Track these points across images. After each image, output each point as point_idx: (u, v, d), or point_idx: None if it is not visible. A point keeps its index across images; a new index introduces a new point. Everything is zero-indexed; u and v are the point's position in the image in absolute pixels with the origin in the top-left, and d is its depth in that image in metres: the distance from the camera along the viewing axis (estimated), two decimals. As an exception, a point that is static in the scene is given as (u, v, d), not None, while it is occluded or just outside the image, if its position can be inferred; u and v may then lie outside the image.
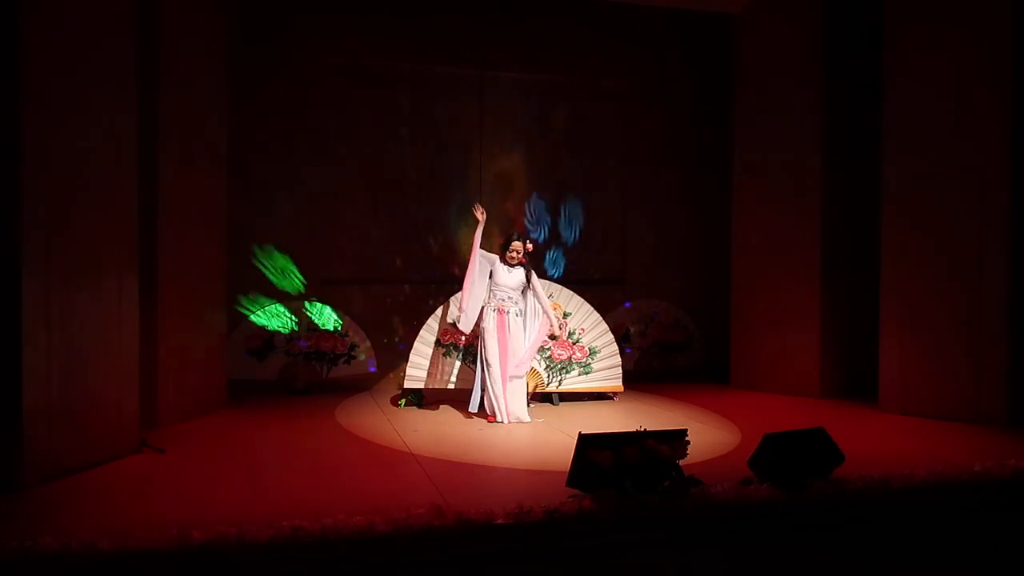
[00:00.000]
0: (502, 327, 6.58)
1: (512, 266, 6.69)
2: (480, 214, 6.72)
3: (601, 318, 7.73)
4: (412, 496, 4.29)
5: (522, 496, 4.04)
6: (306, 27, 8.25)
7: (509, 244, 6.70)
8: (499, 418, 6.44)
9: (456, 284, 7.87)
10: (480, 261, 6.70)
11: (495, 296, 6.64)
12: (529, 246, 6.74)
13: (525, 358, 6.65)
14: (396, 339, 8.55)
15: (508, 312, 6.62)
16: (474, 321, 6.67)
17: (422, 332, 7.36)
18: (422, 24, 8.53)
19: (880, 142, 7.15)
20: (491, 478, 4.94)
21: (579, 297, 7.67)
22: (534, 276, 6.79)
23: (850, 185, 7.89)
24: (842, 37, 7.86)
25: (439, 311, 7.43)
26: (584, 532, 3.86)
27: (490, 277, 6.70)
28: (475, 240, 6.70)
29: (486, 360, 6.53)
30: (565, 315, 7.51)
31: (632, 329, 9.20)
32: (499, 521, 3.78)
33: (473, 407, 6.70)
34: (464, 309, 6.64)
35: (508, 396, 6.48)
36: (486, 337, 6.56)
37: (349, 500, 4.27)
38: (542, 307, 6.72)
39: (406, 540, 3.63)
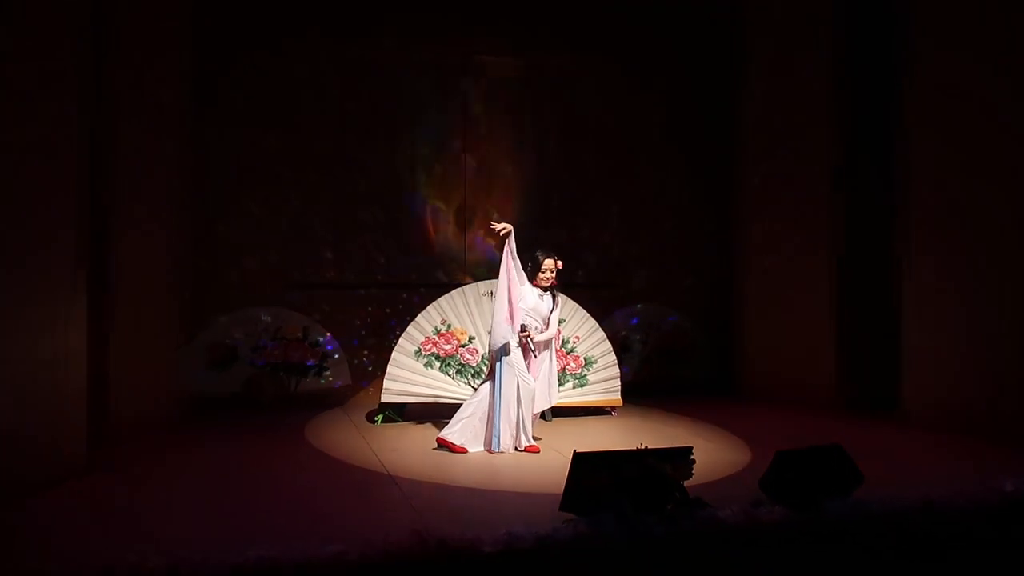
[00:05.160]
0: (528, 360, 6.30)
1: (544, 290, 6.33)
2: (502, 230, 6.17)
3: (598, 325, 7.73)
4: (390, 522, 4.27)
5: (511, 522, 4.03)
6: (275, 8, 8.21)
7: (539, 264, 6.26)
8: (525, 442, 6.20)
9: (440, 289, 7.86)
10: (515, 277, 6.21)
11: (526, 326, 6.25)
12: (560, 263, 6.37)
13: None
14: (372, 349, 8.53)
15: (530, 343, 6.27)
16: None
17: (401, 341, 7.34)
18: (401, 4, 8.52)
19: (900, 133, 7.18)
20: (477, 502, 4.93)
21: (573, 302, 7.67)
22: (560, 301, 6.46)
23: (867, 177, 7.90)
24: (855, 22, 7.86)
25: (420, 318, 7.41)
26: (580, 561, 3.85)
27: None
28: (510, 253, 6.16)
29: (521, 390, 6.15)
30: (560, 321, 7.49)
31: (632, 337, 9.20)
32: (486, 549, 3.76)
33: (506, 445, 6.13)
34: (515, 326, 6.13)
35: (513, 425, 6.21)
36: (525, 376, 6.19)
37: (320, 526, 4.24)
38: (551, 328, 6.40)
39: (383, 571, 3.61)
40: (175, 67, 7.06)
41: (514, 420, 6.15)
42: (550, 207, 9.09)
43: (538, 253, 6.39)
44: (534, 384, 6.25)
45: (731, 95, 8.93)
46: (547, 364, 6.41)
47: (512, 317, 6.19)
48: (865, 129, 7.89)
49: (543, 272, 6.32)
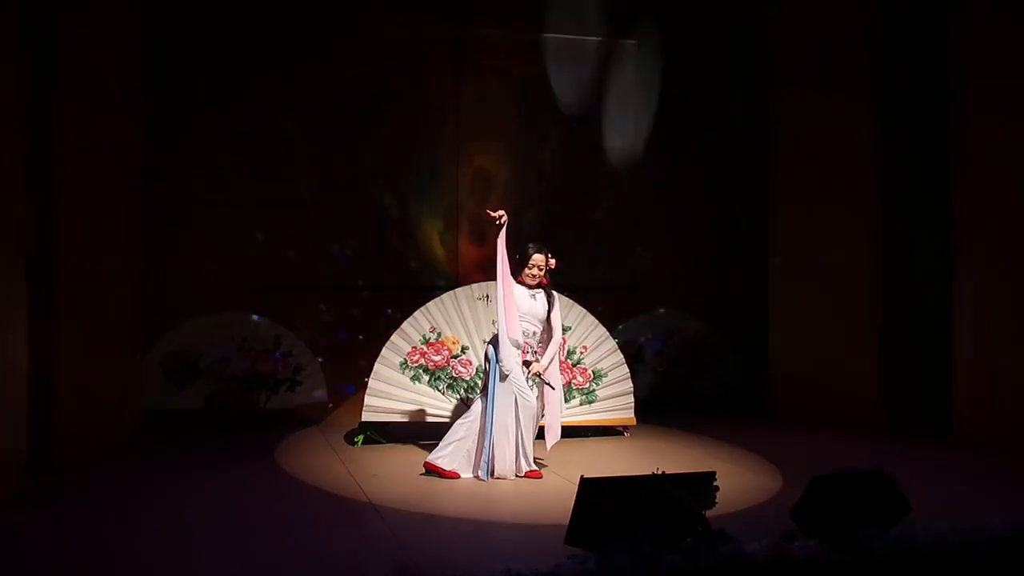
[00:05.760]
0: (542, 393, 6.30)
1: (532, 288, 6.32)
2: (499, 217, 6.09)
3: (608, 334, 7.72)
4: (371, 557, 4.26)
5: (509, 557, 4.01)
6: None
7: (527, 258, 6.26)
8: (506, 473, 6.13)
9: (430, 292, 7.85)
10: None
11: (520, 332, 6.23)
12: (552, 261, 6.35)
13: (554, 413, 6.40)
14: (352, 361, 8.52)
15: (530, 354, 6.28)
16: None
17: (384, 351, 7.33)
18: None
19: (944, 141, 7.24)
20: (470, 534, 4.92)
21: (580, 307, 7.66)
22: (556, 300, 6.40)
23: (914, 167, 7.94)
24: (895, 32, 7.95)
25: (406, 326, 7.40)
26: (587, 601, 3.84)
27: None
28: (501, 249, 6.10)
29: (519, 407, 6.11)
30: (564, 329, 7.48)
31: (647, 347, 9.20)
32: (481, 588, 3.76)
33: (504, 469, 6.11)
34: (513, 337, 6.10)
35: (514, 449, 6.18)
36: (524, 391, 6.14)
37: (293, 562, 4.23)
38: (547, 338, 6.35)
39: (364, 613, 3.60)
40: (134, 52, 7.07)
41: (512, 442, 6.12)
42: (555, 199, 9.09)
43: (529, 246, 6.35)
44: (534, 400, 6.23)
45: (760, 98, 8.97)
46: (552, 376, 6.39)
47: (509, 326, 6.14)
48: (907, 137, 7.94)
49: (530, 268, 6.26)
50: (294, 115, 8.44)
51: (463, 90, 8.84)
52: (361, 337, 8.51)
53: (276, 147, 8.41)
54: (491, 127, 8.99)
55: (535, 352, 6.31)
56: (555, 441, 6.36)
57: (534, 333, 6.29)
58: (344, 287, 8.61)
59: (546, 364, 6.27)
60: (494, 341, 6.22)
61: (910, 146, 7.97)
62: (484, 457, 6.09)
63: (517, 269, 6.29)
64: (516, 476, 6.14)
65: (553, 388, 6.30)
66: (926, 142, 7.84)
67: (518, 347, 6.17)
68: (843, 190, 8.15)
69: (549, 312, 6.33)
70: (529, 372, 6.22)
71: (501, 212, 6.12)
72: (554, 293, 6.42)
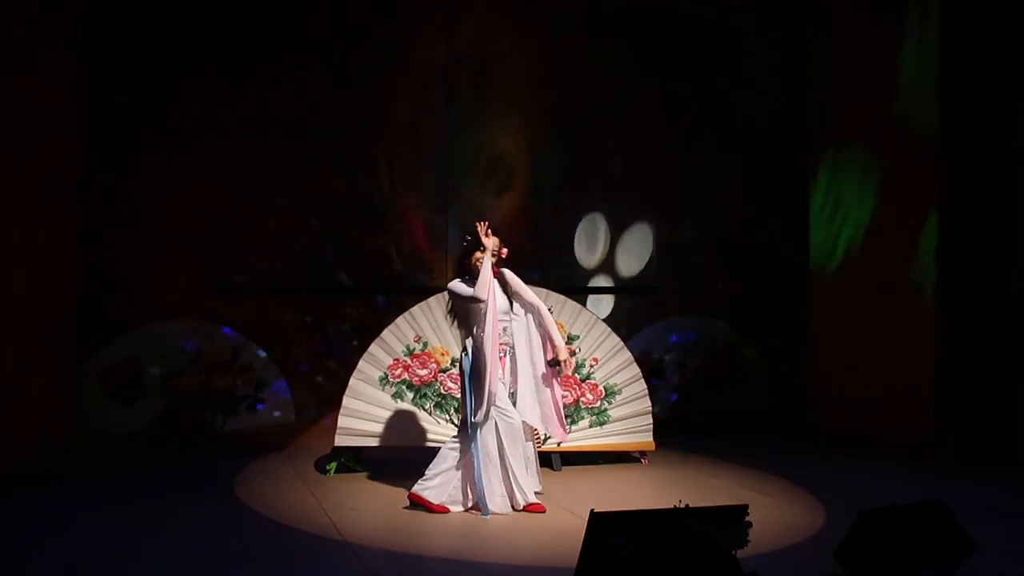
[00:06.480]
0: (510, 374, 6.29)
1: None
2: (486, 234, 6.12)
3: (622, 344, 7.71)
4: (347, 605, 4.24)
5: (507, 604, 4.03)
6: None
7: (479, 242, 6.20)
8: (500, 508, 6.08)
9: (415, 295, 7.84)
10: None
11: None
12: (504, 250, 6.30)
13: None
14: (324, 375, 8.53)
15: (508, 351, 6.28)
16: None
17: (361, 365, 7.33)
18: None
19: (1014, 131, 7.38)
20: (462, 577, 4.91)
21: (590, 312, 7.67)
22: (509, 274, 6.32)
23: (978, 155, 7.97)
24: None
25: (387, 334, 7.40)
26: (598, 656, 3.84)
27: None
28: (485, 274, 6.06)
29: (501, 430, 6.07)
30: (571, 339, 7.50)
31: (667, 359, 9.20)
32: (474, 641, 3.77)
33: (497, 505, 6.04)
34: (494, 391, 6.02)
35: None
36: (504, 411, 6.10)
37: (254, 611, 4.23)
38: (536, 316, 6.31)
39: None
40: (71, 46, 7.14)
41: (498, 471, 6.10)
42: (561, 189, 9.10)
43: (478, 226, 6.28)
44: (518, 419, 6.18)
45: (803, 86, 9.08)
46: (528, 362, 6.29)
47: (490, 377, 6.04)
48: (967, 131, 7.99)
49: (483, 252, 6.19)
50: (259, 91, 8.48)
51: (462, 56, 8.87)
52: (335, 348, 8.52)
53: (241, 124, 8.44)
54: (492, 101, 9.02)
55: (512, 349, 6.28)
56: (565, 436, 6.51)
57: (504, 329, 6.24)
58: (314, 289, 8.61)
59: (564, 346, 6.35)
60: (472, 354, 6.15)
61: (969, 137, 7.99)
62: (479, 490, 6.06)
63: (466, 254, 6.27)
64: (514, 510, 6.12)
65: (569, 356, 6.50)
66: (987, 136, 7.90)
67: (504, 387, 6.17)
68: (894, 184, 8.19)
69: (510, 294, 6.30)
70: (566, 367, 6.36)
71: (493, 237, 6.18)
72: (503, 271, 6.33)
